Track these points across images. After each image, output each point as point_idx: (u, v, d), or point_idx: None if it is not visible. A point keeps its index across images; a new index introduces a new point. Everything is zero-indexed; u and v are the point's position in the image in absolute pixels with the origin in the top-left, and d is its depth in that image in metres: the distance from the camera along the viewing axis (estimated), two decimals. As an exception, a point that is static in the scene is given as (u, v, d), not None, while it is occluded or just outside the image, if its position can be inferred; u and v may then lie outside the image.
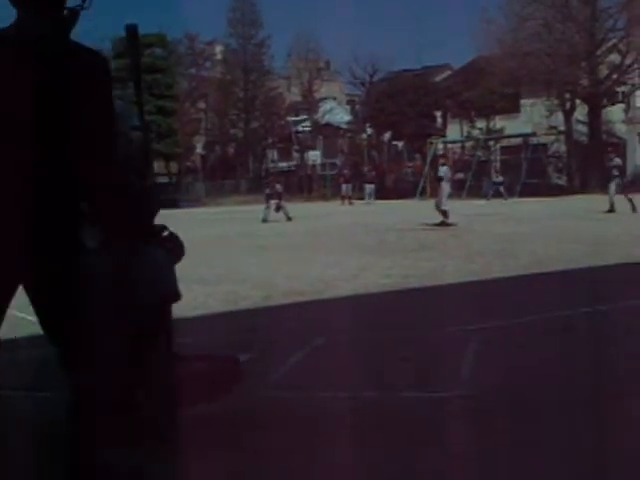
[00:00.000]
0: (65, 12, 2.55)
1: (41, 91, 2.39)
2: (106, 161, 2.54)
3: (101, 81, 2.55)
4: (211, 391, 3.86)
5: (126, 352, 3.17)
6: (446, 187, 19.20)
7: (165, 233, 3.93)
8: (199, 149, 69.41)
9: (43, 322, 2.61)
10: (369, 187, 42.06)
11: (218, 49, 65.45)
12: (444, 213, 18.51)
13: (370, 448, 3.58)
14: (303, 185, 56.94)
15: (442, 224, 18.22)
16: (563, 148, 47.06)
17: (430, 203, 20.28)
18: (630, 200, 21.16)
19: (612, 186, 22.01)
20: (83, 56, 2.54)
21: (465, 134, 52.47)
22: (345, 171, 44.23)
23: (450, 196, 19.69)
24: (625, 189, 22.07)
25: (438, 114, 54.85)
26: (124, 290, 3.29)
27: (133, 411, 3.57)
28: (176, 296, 3.84)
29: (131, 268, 3.62)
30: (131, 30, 3.90)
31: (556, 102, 45.78)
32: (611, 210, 21.04)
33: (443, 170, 19.97)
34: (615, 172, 22.33)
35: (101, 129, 2.52)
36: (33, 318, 2.73)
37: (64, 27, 2.54)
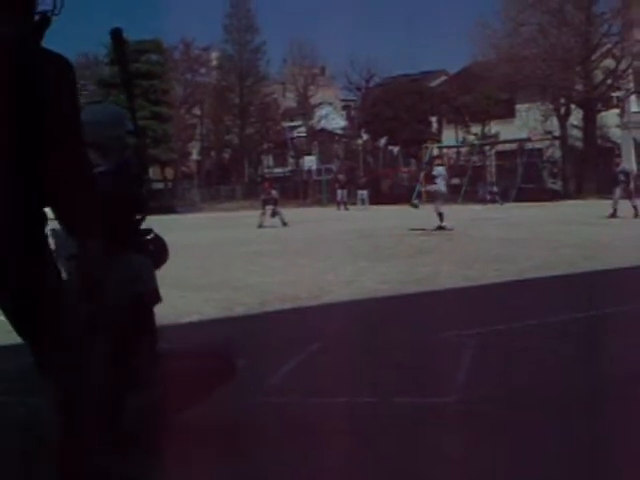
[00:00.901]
0: (36, 17, 2.58)
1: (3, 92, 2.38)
2: (72, 162, 2.53)
3: (65, 84, 2.54)
4: (201, 389, 3.84)
5: (103, 354, 3.14)
6: (442, 186, 19.19)
7: (150, 236, 3.91)
8: (195, 155, 69.44)
9: (17, 329, 2.58)
10: (361, 193, 42.25)
11: (214, 55, 65.53)
12: (440, 216, 18.48)
13: (366, 454, 3.56)
14: (299, 191, 56.95)
15: (439, 229, 18.21)
16: (558, 153, 47.16)
17: (426, 208, 20.25)
18: (635, 207, 21.08)
19: (617, 191, 21.92)
20: (47, 59, 2.53)
21: (460, 139, 52.59)
22: (340, 176, 44.25)
23: (446, 198, 19.63)
24: (631, 194, 21.84)
25: (433, 119, 54.94)
26: (97, 292, 3.27)
27: (118, 415, 3.56)
28: (155, 297, 3.82)
29: (104, 270, 3.61)
30: (116, 34, 3.82)
31: (551, 107, 45.89)
32: (614, 215, 20.97)
33: (438, 170, 19.94)
34: (621, 177, 22.19)
35: (65, 131, 2.50)
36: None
37: (34, 31, 2.56)
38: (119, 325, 3.55)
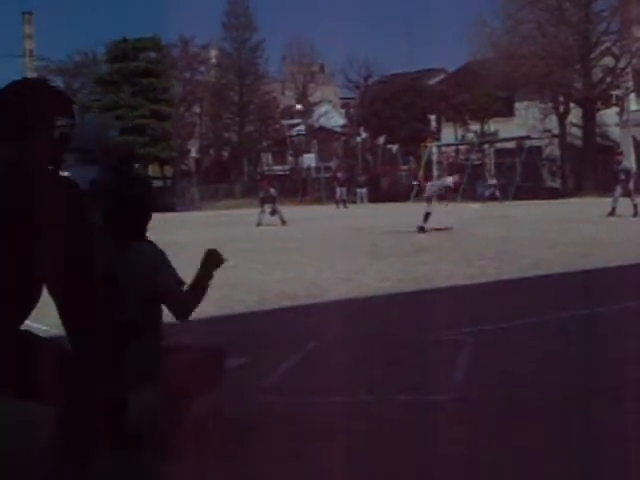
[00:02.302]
0: (57, 134, 2.75)
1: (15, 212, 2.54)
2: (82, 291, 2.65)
3: (73, 207, 2.65)
4: (201, 383, 3.81)
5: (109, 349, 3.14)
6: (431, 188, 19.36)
7: None
8: (194, 153, 69.42)
9: None
10: (360, 191, 42.47)
11: (212, 53, 65.54)
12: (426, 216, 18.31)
13: (365, 452, 3.56)
14: (298, 189, 56.98)
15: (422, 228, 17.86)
16: (557, 151, 47.18)
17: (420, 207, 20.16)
18: (635, 205, 21.03)
19: (618, 189, 21.89)
20: (57, 182, 2.68)
21: (459, 137, 52.59)
22: (339, 174, 44.30)
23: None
24: (631, 193, 21.78)
25: (432, 117, 54.96)
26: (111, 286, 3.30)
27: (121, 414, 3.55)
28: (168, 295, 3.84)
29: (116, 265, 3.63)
30: None
31: (550, 105, 45.89)
32: (612, 213, 20.94)
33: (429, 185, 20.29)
34: (622, 176, 22.13)
35: (73, 252, 2.61)
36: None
37: (54, 148, 2.75)
38: (130, 322, 3.55)
